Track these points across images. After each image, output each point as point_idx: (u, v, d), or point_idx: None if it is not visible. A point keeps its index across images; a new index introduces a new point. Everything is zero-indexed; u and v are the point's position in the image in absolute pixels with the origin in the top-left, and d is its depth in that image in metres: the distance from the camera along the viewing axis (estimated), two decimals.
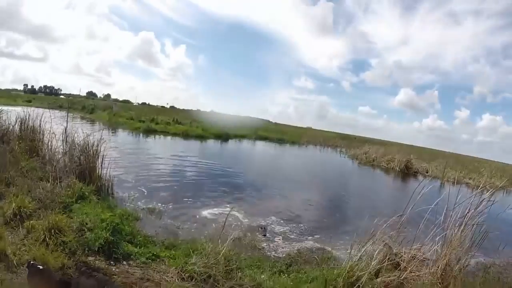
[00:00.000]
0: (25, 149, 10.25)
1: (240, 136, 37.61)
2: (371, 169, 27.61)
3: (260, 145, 36.69)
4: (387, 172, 25.94)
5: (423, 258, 6.61)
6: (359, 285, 5.23)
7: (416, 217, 6.68)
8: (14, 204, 6.51)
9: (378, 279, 5.76)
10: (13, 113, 12.41)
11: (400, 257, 6.55)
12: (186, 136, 29.31)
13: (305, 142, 43.81)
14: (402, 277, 5.91)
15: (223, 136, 33.52)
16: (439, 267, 5.91)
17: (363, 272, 5.45)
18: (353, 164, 29.94)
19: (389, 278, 5.83)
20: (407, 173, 25.61)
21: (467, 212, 6.19)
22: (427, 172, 25.72)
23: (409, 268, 6.16)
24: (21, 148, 10.12)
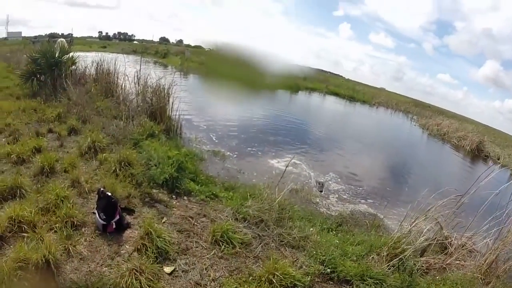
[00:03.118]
0: (101, 90, 10.84)
1: (311, 89, 36.76)
2: (440, 142, 26.04)
3: (330, 100, 35.83)
4: (456, 149, 24.07)
5: (472, 248, 6.33)
6: (401, 258, 5.14)
7: (476, 203, 6.25)
8: (89, 138, 7.04)
9: (423, 258, 5.65)
10: (89, 58, 13.04)
11: (449, 242, 6.28)
12: None
13: (376, 103, 41.86)
14: (447, 262, 5.73)
15: (293, 87, 32.78)
16: (486, 262, 5.58)
17: (409, 246, 5.30)
18: (422, 134, 28.51)
19: (433, 260, 5.72)
20: (477, 155, 23.27)
21: None
22: (498, 159, 23.24)
23: (455, 255, 5.90)
24: (97, 89, 10.72)
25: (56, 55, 11.18)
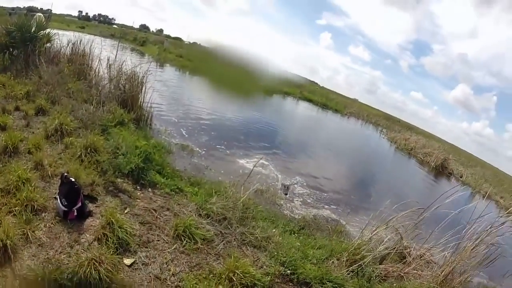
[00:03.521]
0: (74, 71, 10.53)
1: (285, 93, 36.86)
2: (406, 157, 26.97)
3: (303, 106, 36.20)
4: (421, 164, 25.11)
5: (430, 259, 6.59)
6: (361, 264, 5.31)
7: (437, 218, 6.42)
8: (57, 120, 6.83)
9: (381, 266, 5.83)
10: (65, 37, 12.63)
11: (408, 252, 6.53)
12: None
13: (348, 113, 42.59)
14: (405, 271, 5.94)
15: (269, 90, 32.33)
16: (442, 273, 5.78)
17: (369, 253, 5.51)
18: (390, 147, 29.31)
19: (391, 268, 5.91)
20: (441, 171, 24.55)
21: (488, 229, 5.93)
22: (461, 177, 24.58)
23: (413, 265, 6.15)
24: (70, 70, 10.39)
25: (32, 30, 10.80)
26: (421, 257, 6.43)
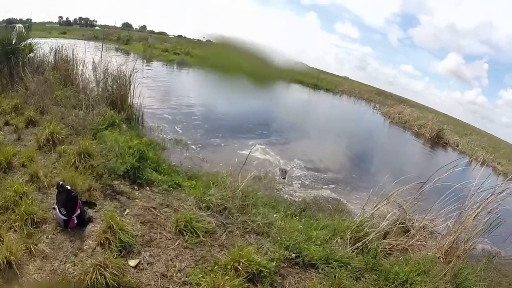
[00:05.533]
0: (60, 78, 10.38)
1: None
2: (401, 130, 27.14)
3: (294, 88, 36.05)
4: (417, 136, 25.39)
5: (434, 230, 6.69)
6: (365, 241, 5.36)
7: (437, 190, 6.43)
8: (47, 130, 6.78)
9: (385, 240, 5.90)
10: (48, 45, 12.42)
11: (411, 224, 6.61)
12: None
13: (340, 92, 42.51)
14: (409, 243, 6.03)
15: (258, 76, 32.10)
16: (446, 243, 5.93)
17: (372, 230, 5.55)
18: (384, 122, 29.41)
19: (396, 242, 5.99)
20: (437, 142, 24.80)
21: (488, 197, 6.02)
22: (457, 146, 24.95)
23: (417, 237, 6.24)
24: (56, 78, 10.26)
25: (13, 42, 10.66)
26: (424, 228, 6.53)
